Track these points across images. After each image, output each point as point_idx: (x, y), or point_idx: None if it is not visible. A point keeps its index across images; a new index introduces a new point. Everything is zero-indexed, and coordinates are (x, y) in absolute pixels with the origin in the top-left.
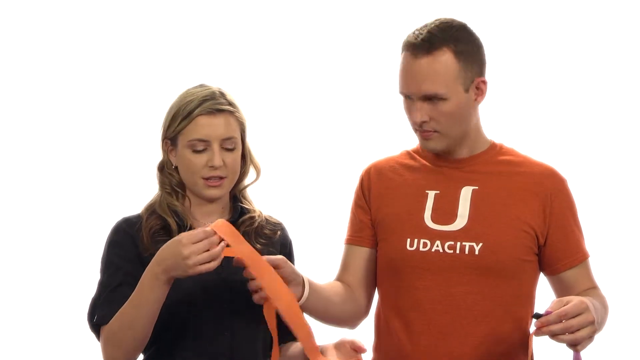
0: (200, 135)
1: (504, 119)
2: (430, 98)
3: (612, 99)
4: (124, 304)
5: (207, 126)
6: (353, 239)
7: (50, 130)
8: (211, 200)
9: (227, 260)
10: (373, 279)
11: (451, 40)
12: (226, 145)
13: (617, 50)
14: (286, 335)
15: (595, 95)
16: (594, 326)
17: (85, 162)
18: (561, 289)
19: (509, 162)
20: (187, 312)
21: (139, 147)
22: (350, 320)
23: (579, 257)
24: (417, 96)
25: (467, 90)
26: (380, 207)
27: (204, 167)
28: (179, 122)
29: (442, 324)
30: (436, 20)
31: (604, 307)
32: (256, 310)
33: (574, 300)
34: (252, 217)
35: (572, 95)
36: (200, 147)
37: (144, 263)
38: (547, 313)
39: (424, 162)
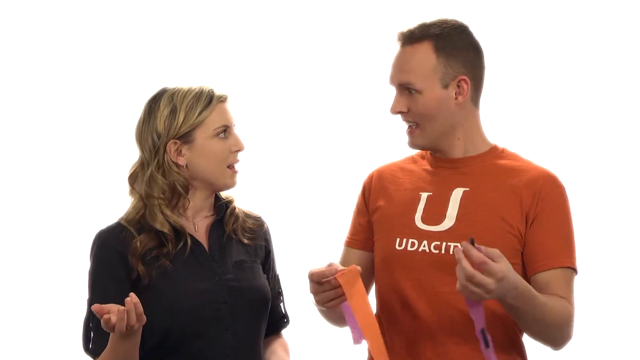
0: (224, 122)
1: (513, 123)
2: (406, 89)
3: (619, 103)
4: None
5: (226, 113)
6: (350, 242)
7: (38, 132)
8: (224, 189)
9: (220, 258)
10: (366, 280)
11: (434, 36)
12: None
13: (620, 53)
14: (269, 329)
15: (603, 100)
16: (487, 295)
17: (73, 163)
18: None
19: (507, 165)
20: (187, 315)
21: (123, 149)
22: None
23: (553, 262)
24: (395, 85)
25: (445, 87)
26: (377, 209)
27: (229, 153)
28: (197, 114)
29: (429, 322)
30: (439, 19)
31: (557, 315)
32: (256, 309)
33: (502, 264)
34: (234, 211)
35: (580, 100)
36: (224, 135)
37: (129, 276)
38: (478, 248)
39: (424, 164)
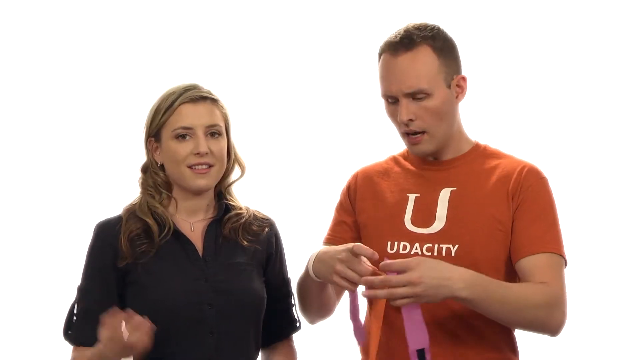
0: (184, 123)
1: (495, 119)
2: (414, 96)
3: (601, 99)
4: (94, 325)
5: (190, 114)
6: (332, 239)
7: (39, 131)
8: (199, 192)
9: (212, 259)
10: None
11: (429, 38)
12: (211, 132)
13: (606, 51)
14: (271, 337)
15: (585, 96)
16: (418, 289)
17: (76, 161)
18: (521, 280)
19: (491, 163)
20: (169, 313)
21: (130, 147)
22: (324, 312)
23: (534, 248)
24: (401, 94)
25: (449, 87)
26: (364, 211)
27: (189, 155)
28: (161, 115)
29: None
30: (409, 24)
31: (530, 298)
32: (244, 310)
33: (410, 258)
34: (239, 214)
35: (562, 95)
36: (184, 135)
37: (117, 271)
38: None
39: (408, 166)
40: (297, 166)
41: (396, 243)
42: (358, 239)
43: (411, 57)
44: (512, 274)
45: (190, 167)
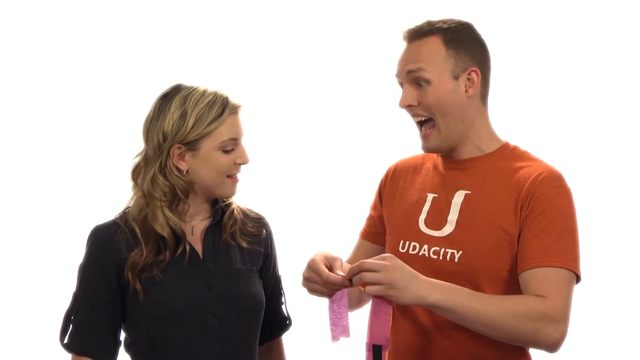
0: (233, 134)
1: (527, 121)
2: (416, 81)
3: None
4: (94, 333)
5: (236, 125)
6: (363, 233)
7: (37, 130)
8: (223, 198)
9: (214, 265)
10: None
11: (443, 30)
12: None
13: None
14: (263, 337)
15: (615, 99)
16: (391, 276)
17: (71, 161)
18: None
19: (511, 166)
20: (173, 326)
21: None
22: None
23: (535, 262)
24: (403, 77)
25: (455, 78)
26: (387, 206)
27: (232, 165)
28: (207, 124)
29: (425, 325)
30: (442, 17)
31: (502, 305)
32: (247, 318)
33: (383, 259)
34: (232, 214)
35: (591, 99)
36: (231, 147)
37: (118, 280)
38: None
39: (437, 162)
40: (287, 163)
41: (407, 242)
42: (383, 234)
43: (418, 44)
44: (516, 286)
45: (229, 176)
